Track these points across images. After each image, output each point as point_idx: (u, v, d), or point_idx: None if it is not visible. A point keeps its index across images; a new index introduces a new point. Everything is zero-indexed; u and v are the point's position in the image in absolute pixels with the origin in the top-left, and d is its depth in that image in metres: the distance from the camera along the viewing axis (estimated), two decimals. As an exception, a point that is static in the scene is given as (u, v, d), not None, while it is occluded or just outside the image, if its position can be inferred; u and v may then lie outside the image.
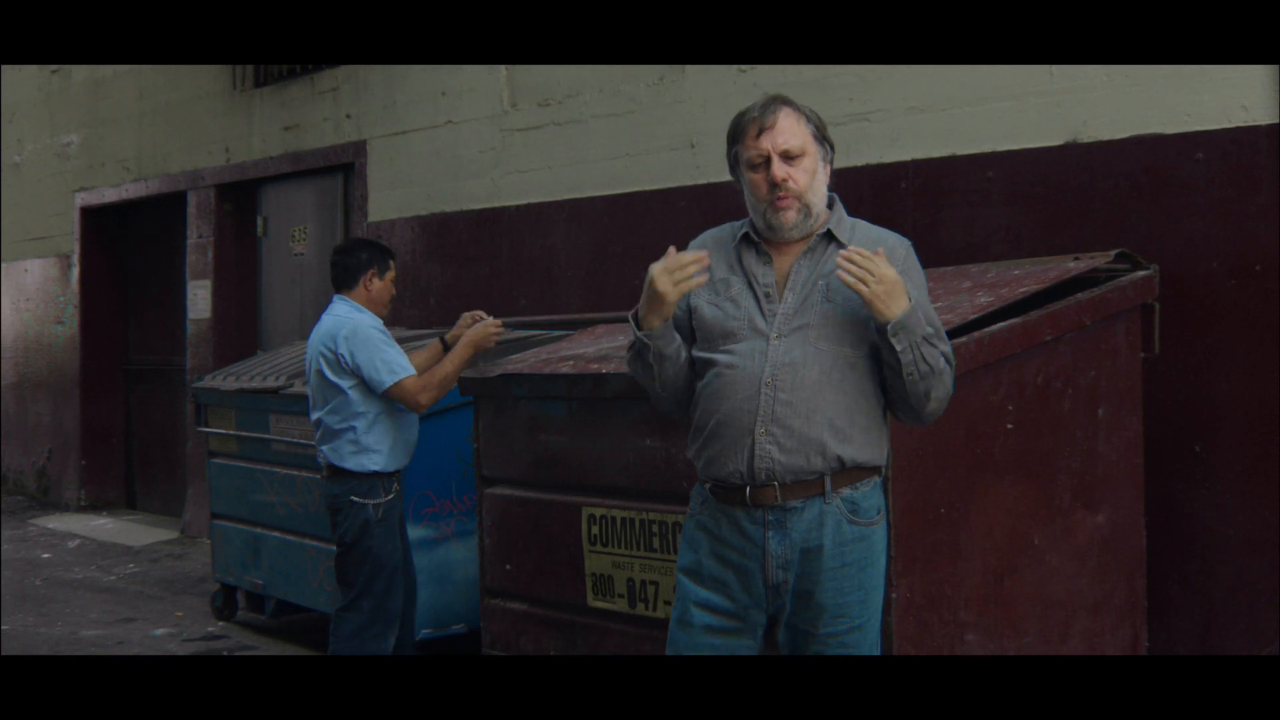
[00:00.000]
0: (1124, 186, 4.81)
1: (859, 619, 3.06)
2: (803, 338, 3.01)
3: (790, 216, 3.05)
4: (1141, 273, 4.45)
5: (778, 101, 3.10)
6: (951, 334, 3.77)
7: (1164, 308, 4.49)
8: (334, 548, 5.13)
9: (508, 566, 4.78)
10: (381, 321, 5.09)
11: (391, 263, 5.18)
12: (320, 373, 4.98)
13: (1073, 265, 4.36)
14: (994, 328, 3.95)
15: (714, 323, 3.09)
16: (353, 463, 4.93)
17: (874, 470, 3.08)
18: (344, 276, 5.12)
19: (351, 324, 4.97)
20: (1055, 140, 4.99)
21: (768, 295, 3.07)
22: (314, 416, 5.05)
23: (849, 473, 3.02)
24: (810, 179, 3.07)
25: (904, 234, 3.23)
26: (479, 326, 4.98)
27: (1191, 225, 4.65)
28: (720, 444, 3.03)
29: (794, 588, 3.02)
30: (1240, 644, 4.56)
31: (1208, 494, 4.62)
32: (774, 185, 3.04)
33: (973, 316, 3.92)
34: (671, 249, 3.04)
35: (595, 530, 4.43)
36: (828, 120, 5.40)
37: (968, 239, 5.16)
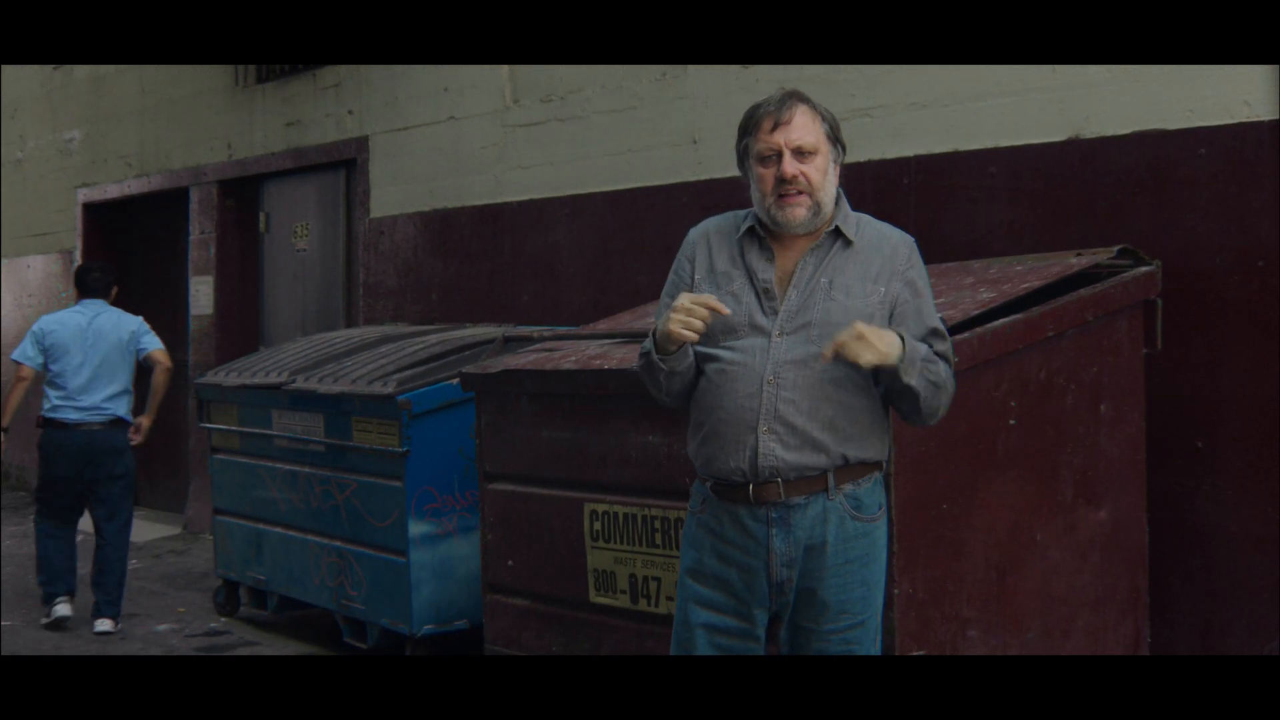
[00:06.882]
0: (1126, 182, 4.80)
1: (862, 615, 3.06)
2: (806, 335, 3.00)
3: (800, 213, 3.02)
4: (1144, 268, 4.45)
5: (794, 98, 3.05)
6: (954, 330, 3.77)
7: (1166, 304, 4.48)
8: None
9: (510, 562, 4.79)
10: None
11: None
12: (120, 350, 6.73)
13: (1075, 261, 4.35)
14: (996, 324, 3.95)
15: (715, 317, 3.07)
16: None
17: (875, 466, 3.09)
18: (103, 286, 6.89)
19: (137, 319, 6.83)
20: (1058, 136, 4.99)
21: (766, 292, 3.05)
22: (114, 386, 6.82)
23: (852, 469, 3.02)
24: (823, 178, 3.03)
25: (906, 230, 3.22)
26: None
27: (1194, 221, 4.64)
28: (721, 441, 3.02)
29: (797, 585, 3.02)
30: (1242, 640, 4.56)
31: (1210, 490, 4.62)
32: (781, 180, 3.00)
33: (975, 312, 3.92)
34: (710, 298, 2.97)
35: (597, 526, 4.43)
36: (829, 116, 5.44)
37: (970, 235, 5.16)
